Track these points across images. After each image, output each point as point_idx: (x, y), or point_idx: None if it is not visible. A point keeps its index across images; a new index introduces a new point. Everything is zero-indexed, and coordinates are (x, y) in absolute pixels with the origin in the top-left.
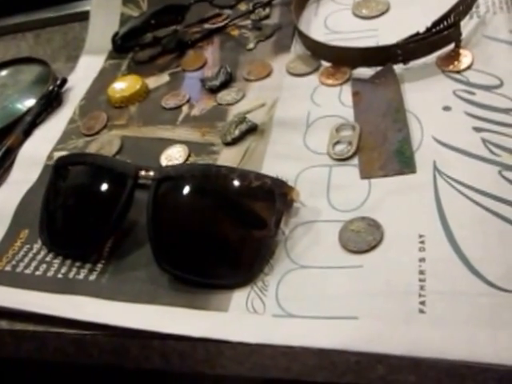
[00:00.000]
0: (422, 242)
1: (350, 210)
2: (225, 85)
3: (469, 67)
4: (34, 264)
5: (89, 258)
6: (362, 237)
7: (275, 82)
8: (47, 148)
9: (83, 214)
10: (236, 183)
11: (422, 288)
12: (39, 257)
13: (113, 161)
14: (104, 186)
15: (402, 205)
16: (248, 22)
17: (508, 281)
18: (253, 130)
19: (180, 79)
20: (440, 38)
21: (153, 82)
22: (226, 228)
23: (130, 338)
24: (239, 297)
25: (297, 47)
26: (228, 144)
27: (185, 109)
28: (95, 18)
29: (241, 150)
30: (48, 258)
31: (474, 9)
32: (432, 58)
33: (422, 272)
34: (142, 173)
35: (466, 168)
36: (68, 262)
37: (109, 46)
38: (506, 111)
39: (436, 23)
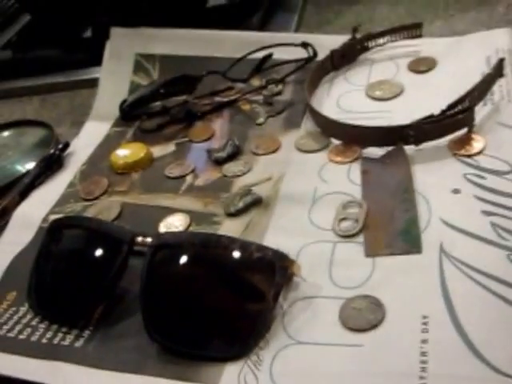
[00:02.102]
0: (425, 324)
1: (352, 287)
2: (232, 157)
3: (480, 152)
4: (18, 327)
5: (76, 324)
6: (363, 315)
7: (283, 156)
8: (43, 210)
9: (74, 278)
10: (236, 254)
11: (423, 370)
12: (24, 320)
13: (108, 225)
14: (98, 251)
15: (406, 284)
16: (260, 97)
17: None
18: (257, 202)
19: (186, 149)
20: (453, 122)
21: (158, 150)
22: (222, 299)
23: None
24: (231, 370)
25: (307, 124)
26: (231, 215)
27: (189, 178)
28: (104, 84)
29: (243, 221)
30: (34, 322)
31: (488, 96)
32: (444, 140)
33: (423, 354)
34: (139, 239)
35: (473, 251)
36: (54, 327)
37: (116, 113)
38: None
39: (451, 106)
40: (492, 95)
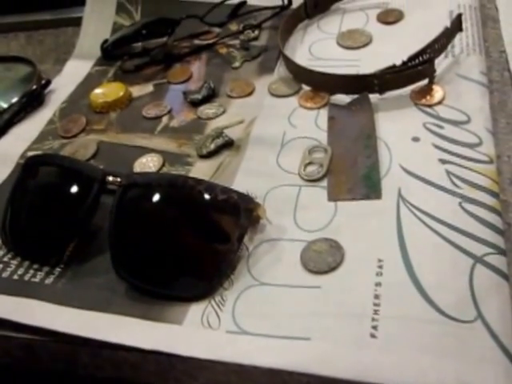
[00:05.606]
0: (380, 267)
1: (315, 230)
2: (207, 99)
3: (440, 102)
4: None
5: (48, 260)
6: (323, 258)
7: (256, 100)
8: (22, 147)
9: (47, 215)
10: (202, 195)
11: (375, 312)
12: None
13: (81, 164)
14: (70, 189)
15: (365, 229)
16: (236, 42)
17: (458, 310)
18: (229, 145)
19: (164, 90)
20: (415, 73)
21: (137, 90)
22: (188, 240)
23: (81, 345)
24: (195, 310)
25: (280, 70)
26: (203, 157)
27: (164, 119)
28: (87, 24)
29: (215, 163)
30: (6, 259)
31: (449, 48)
32: (406, 90)
33: (377, 296)
34: (110, 178)
35: (428, 197)
36: (26, 263)
37: (98, 52)
38: (471, 146)
39: (412, 58)
40: (453, 48)
